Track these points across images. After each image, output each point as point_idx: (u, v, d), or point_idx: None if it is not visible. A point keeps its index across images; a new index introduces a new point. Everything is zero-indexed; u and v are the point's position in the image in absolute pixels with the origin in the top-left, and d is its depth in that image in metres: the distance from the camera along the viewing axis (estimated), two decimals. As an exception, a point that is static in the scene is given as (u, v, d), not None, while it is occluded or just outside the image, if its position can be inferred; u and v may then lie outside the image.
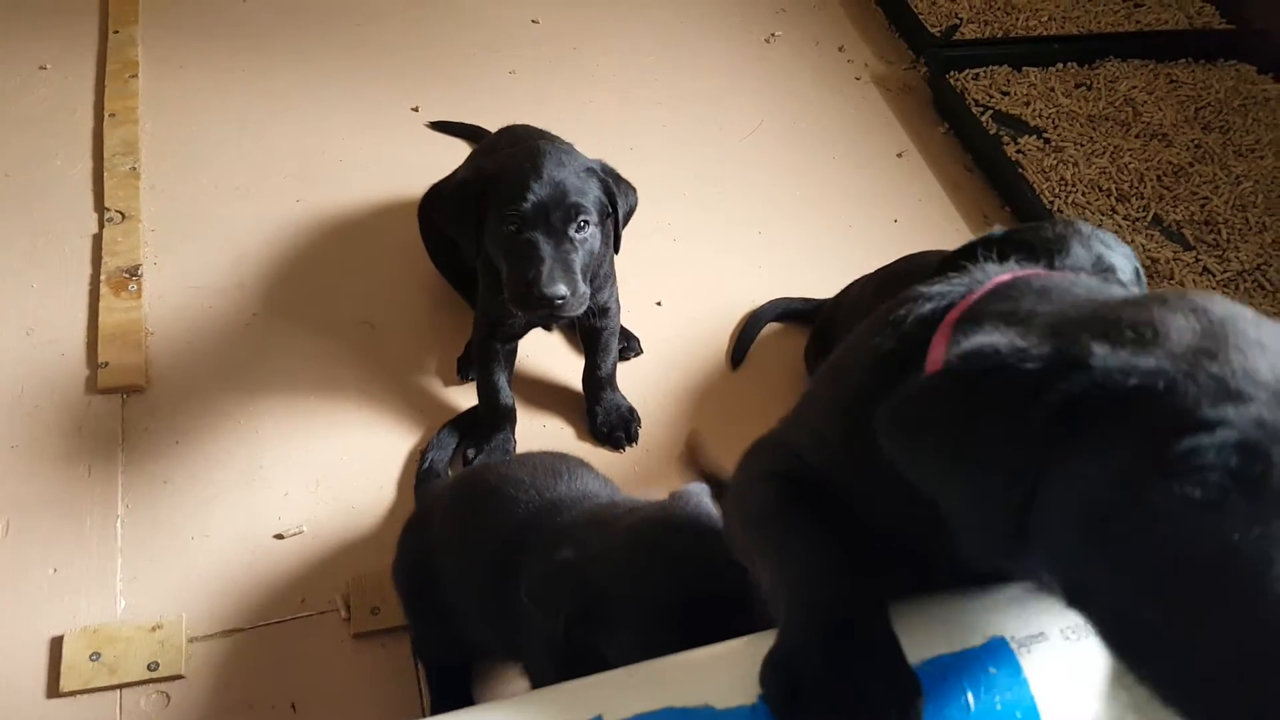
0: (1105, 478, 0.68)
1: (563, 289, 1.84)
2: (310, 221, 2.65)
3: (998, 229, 1.86)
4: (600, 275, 2.12)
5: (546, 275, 1.84)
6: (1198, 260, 2.83)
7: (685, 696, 0.82)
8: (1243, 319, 0.73)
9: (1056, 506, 0.71)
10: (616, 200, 2.02)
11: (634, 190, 2.09)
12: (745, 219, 2.88)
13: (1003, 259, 1.76)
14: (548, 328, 2.21)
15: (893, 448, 0.79)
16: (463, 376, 2.36)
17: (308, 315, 2.46)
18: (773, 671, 0.81)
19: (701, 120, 3.15)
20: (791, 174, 3.04)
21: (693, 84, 3.26)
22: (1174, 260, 2.81)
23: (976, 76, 3.31)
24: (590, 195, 1.95)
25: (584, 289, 1.92)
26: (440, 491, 1.86)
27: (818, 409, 1.05)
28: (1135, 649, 0.70)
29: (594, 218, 1.95)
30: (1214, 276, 2.79)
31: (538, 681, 1.55)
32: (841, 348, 1.05)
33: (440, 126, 2.83)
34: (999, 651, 0.82)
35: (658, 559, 1.23)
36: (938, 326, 0.90)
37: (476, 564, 1.61)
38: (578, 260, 1.91)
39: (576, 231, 1.92)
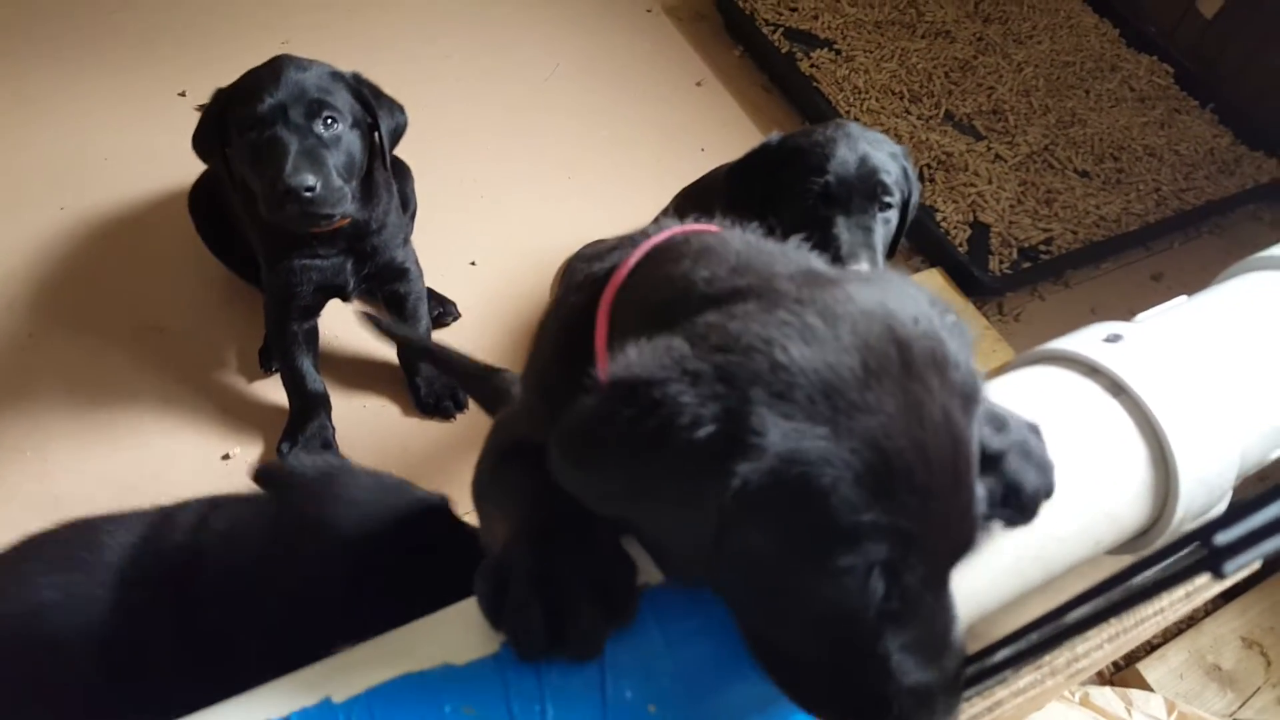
0: (769, 550, 0.70)
1: (310, 178, 1.70)
2: (80, 228, 2.46)
3: (774, 136, 1.87)
4: (380, 208, 2.00)
5: (290, 166, 1.70)
6: (990, 149, 2.93)
7: (421, 660, 0.78)
8: (906, 341, 0.72)
9: (728, 557, 0.72)
10: (375, 110, 1.88)
11: (401, 109, 1.96)
12: (552, 165, 2.83)
13: (775, 167, 1.79)
14: (344, 296, 2.10)
15: (566, 480, 0.76)
16: (266, 369, 2.25)
17: (90, 328, 2.29)
18: (481, 578, 0.79)
19: (496, 70, 3.06)
20: (594, 114, 2.99)
21: (481, 34, 3.16)
22: (968, 152, 2.90)
23: (763, -5, 3.32)
24: (338, 96, 1.81)
25: (340, 183, 1.77)
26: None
27: (527, 383, 1.03)
28: (772, 669, 0.77)
29: (344, 118, 1.81)
30: (1006, 162, 2.89)
31: None
32: (545, 312, 1.03)
33: None
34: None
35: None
36: (601, 296, 0.90)
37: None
38: (329, 156, 1.76)
39: (324, 128, 1.78)
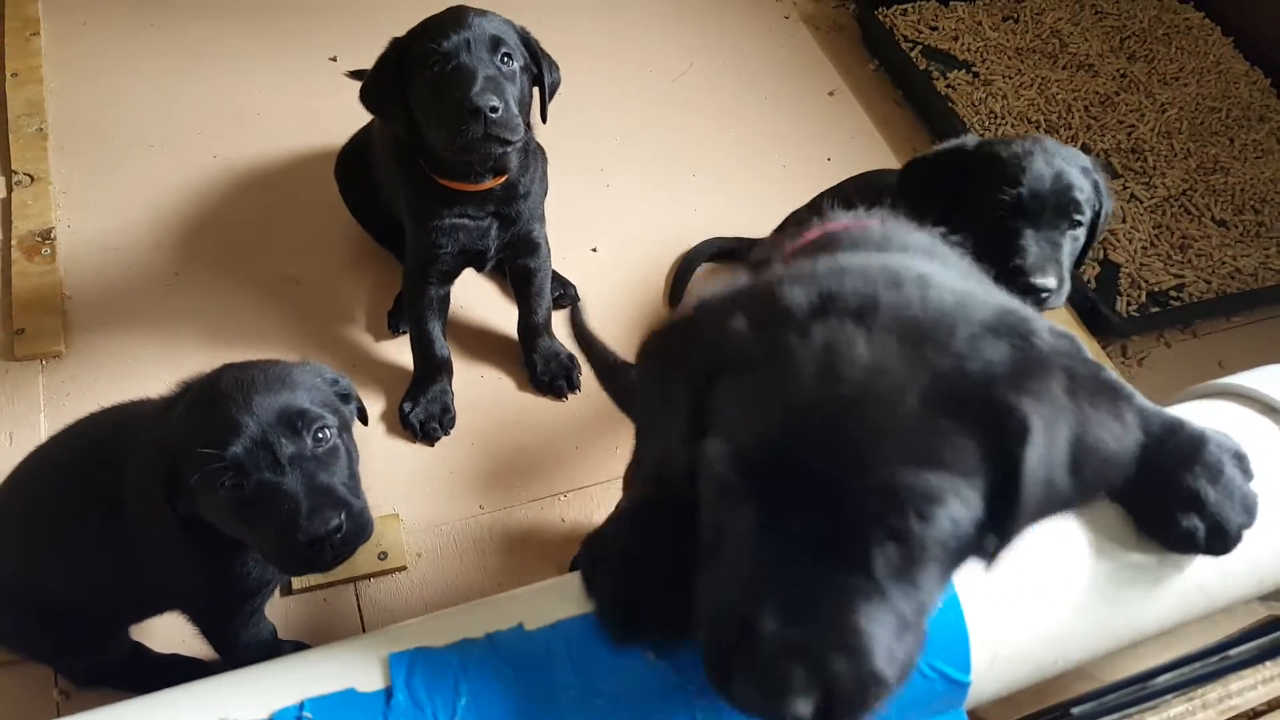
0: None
1: (494, 100, 1.79)
2: (228, 177, 2.57)
3: (971, 138, 1.87)
4: (529, 173, 2.07)
5: (478, 88, 1.79)
6: (1125, 188, 2.86)
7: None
8: (879, 303, 0.77)
9: None
10: (540, 60, 1.97)
11: (557, 66, 2.04)
12: (678, 161, 2.86)
13: (966, 171, 1.78)
14: (481, 265, 2.16)
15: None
16: (394, 330, 2.32)
17: (231, 273, 2.39)
18: (584, 545, 0.88)
19: (631, 63, 3.10)
20: (723, 115, 3.01)
21: (619, 26, 3.21)
22: (1102, 188, 2.84)
23: (905, 12, 3.30)
24: (512, 38, 1.90)
25: (517, 113, 1.86)
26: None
27: None
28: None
29: (517, 59, 1.90)
30: (1141, 203, 2.83)
31: (204, 606, 1.59)
32: None
33: (358, 76, 2.69)
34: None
35: (212, 403, 1.29)
36: None
37: (60, 548, 1.54)
38: (508, 87, 1.85)
39: (502, 63, 1.87)
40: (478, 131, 1.80)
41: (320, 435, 1.30)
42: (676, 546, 0.83)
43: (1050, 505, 0.75)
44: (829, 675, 0.69)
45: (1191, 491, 0.89)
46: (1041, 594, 0.87)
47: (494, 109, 1.79)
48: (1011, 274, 1.64)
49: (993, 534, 0.75)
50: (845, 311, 0.73)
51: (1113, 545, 0.89)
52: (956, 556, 0.74)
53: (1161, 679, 0.85)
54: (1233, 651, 0.83)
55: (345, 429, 1.38)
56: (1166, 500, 0.90)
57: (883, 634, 0.70)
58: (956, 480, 0.70)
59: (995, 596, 0.87)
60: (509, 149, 1.90)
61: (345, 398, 1.44)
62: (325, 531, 1.24)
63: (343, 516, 1.26)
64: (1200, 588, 0.92)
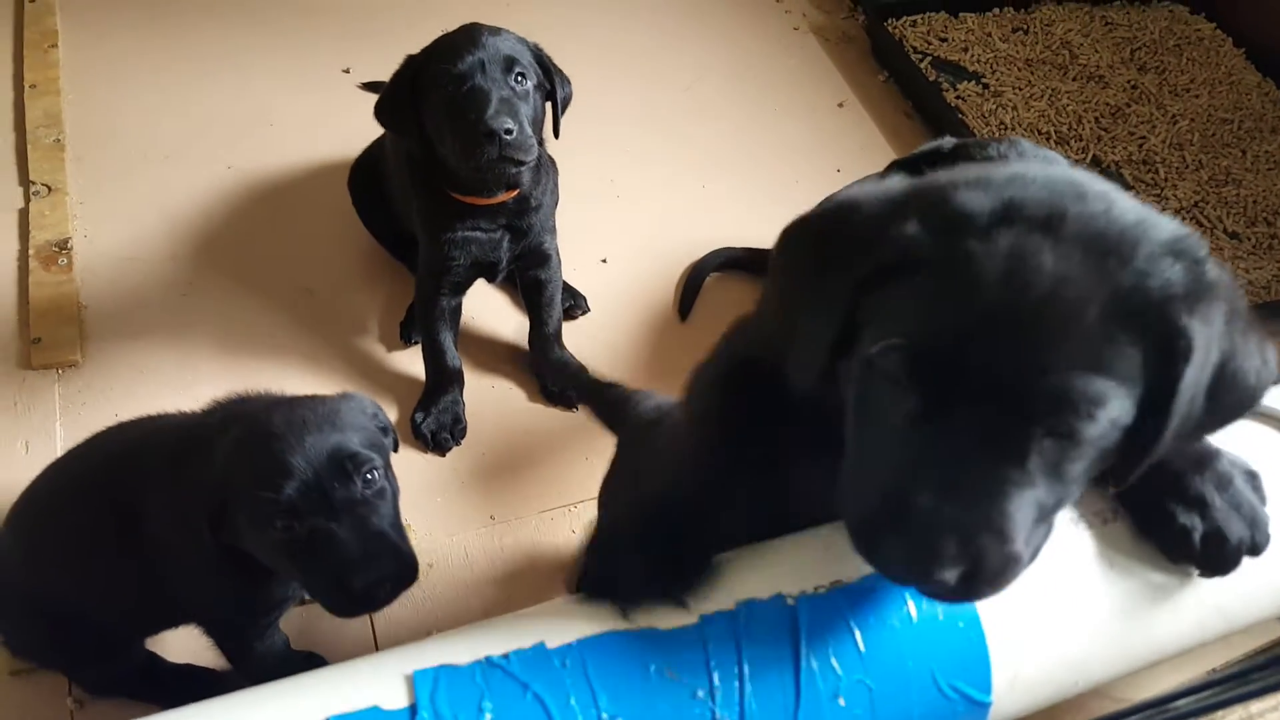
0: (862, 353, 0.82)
1: (509, 122, 1.81)
2: (243, 188, 2.59)
3: (948, 140, 1.86)
4: (540, 186, 2.09)
5: (492, 110, 1.81)
6: (1136, 200, 2.86)
7: (629, 622, 0.84)
8: (1065, 214, 0.78)
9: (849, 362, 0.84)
10: (553, 76, 1.99)
11: (569, 81, 2.07)
12: (688, 172, 2.87)
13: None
14: (492, 276, 2.18)
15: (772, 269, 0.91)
16: (406, 340, 2.33)
17: (245, 283, 2.41)
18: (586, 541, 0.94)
19: (640, 74, 3.12)
20: (733, 126, 3.02)
21: (629, 38, 3.23)
22: (1113, 200, 2.84)
23: (914, 23, 3.31)
24: (525, 56, 1.93)
25: (530, 133, 1.88)
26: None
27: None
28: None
29: (531, 77, 1.92)
30: (1152, 215, 2.83)
31: (221, 628, 1.60)
32: None
33: (372, 88, 2.77)
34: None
35: (264, 443, 1.27)
36: None
37: (80, 563, 1.55)
38: (522, 107, 1.87)
39: (516, 83, 1.89)
40: (493, 153, 1.82)
41: (369, 477, 1.31)
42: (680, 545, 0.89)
43: (1184, 427, 0.80)
44: (976, 550, 0.74)
45: (1197, 493, 0.91)
46: (1062, 614, 0.87)
47: (508, 131, 1.81)
48: None
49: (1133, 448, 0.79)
50: (1032, 220, 0.77)
51: (1133, 564, 0.90)
52: (1102, 458, 0.79)
53: (1182, 701, 0.85)
54: (1255, 675, 0.83)
55: (388, 466, 1.40)
56: (1169, 498, 0.92)
57: (1026, 520, 0.77)
58: (1119, 387, 0.75)
59: (1016, 616, 0.87)
60: (523, 169, 1.91)
61: (384, 430, 1.45)
62: (379, 579, 1.27)
63: (395, 564, 1.28)
64: (1218, 609, 0.92)
